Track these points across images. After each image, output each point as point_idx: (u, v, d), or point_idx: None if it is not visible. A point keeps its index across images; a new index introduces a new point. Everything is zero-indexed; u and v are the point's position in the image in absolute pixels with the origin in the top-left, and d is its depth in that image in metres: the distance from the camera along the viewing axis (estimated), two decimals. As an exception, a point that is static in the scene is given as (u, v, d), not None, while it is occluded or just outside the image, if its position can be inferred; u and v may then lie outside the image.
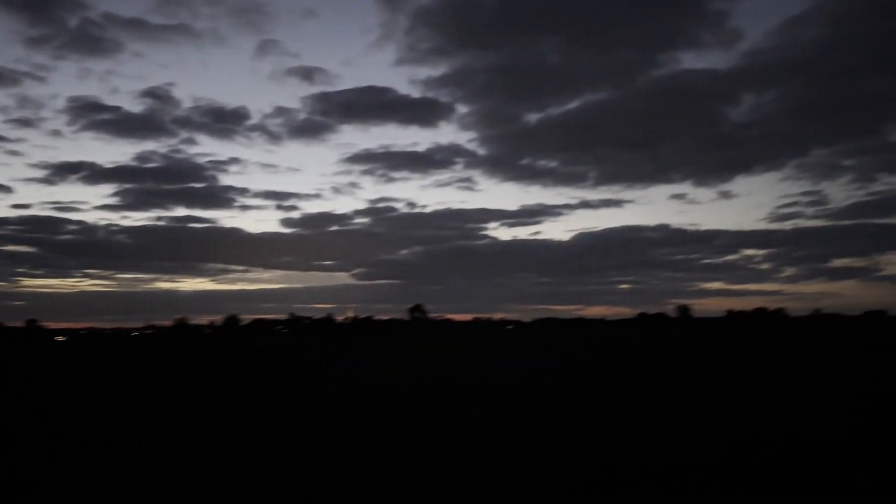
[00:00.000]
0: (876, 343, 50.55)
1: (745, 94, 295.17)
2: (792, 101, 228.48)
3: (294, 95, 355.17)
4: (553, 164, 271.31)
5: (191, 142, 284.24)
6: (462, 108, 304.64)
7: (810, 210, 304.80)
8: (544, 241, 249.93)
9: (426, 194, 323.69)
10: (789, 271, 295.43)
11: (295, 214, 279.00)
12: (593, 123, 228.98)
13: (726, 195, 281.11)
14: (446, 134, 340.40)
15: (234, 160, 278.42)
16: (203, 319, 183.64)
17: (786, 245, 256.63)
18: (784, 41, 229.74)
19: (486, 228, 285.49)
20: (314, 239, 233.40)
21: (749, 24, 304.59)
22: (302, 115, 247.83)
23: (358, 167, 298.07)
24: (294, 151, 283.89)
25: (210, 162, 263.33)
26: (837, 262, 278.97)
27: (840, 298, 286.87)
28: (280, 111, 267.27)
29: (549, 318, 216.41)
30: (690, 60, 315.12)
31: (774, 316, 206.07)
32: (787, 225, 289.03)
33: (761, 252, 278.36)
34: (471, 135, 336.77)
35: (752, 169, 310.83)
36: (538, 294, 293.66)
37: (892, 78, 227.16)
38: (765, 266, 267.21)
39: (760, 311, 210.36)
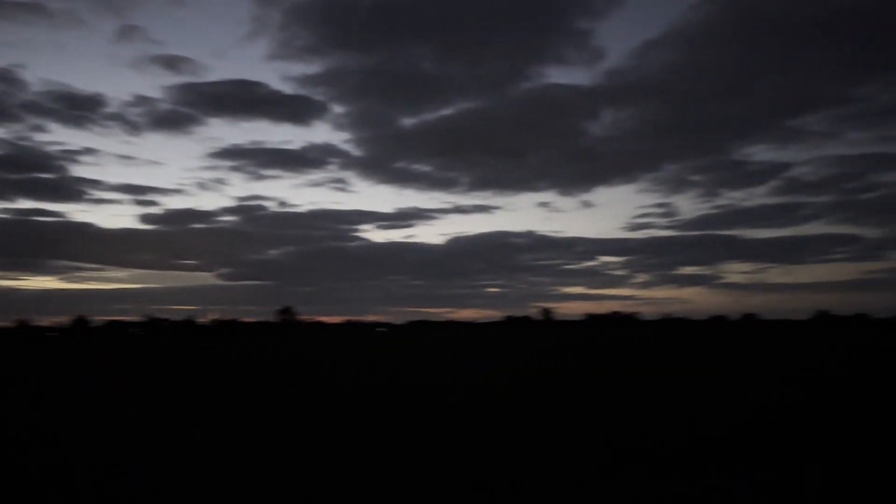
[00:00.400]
0: (717, 346, 55.30)
1: (605, 111, 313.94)
2: (647, 119, 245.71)
3: (157, 85, 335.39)
4: (427, 168, 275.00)
5: (40, 129, 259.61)
6: (337, 108, 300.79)
7: (662, 221, 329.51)
8: (418, 244, 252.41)
9: (298, 193, 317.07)
10: (642, 277, 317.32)
11: (155, 210, 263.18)
12: (466, 131, 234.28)
13: (587, 205, 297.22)
14: (320, 133, 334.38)
15: (89, 150, 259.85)
16: (48, 321, 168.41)
17: (639, 253, 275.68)
18: (642, 62, 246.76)
19: (359, 230, 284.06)
20: (176, 236, 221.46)
21: (611, 45, 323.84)
22: (165, 106, 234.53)
23: (226, 163, 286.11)
24: (155, 143, 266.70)
25: (61, 151, 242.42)
26: (685, 270, 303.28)
27: (687, 304, 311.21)
28: (141, 100, 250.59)
29: (421, 321, 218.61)
30: (556, 76, 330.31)
31: (628, 319, 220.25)
32: (641, 234, 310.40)
33: (618, 259, 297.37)
34: (346, 135, 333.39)
35: (611, 181, 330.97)
36: (411, 297, 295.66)
37: (736, 102, 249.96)
38: (620, 272, 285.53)
39: (616, 315, 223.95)
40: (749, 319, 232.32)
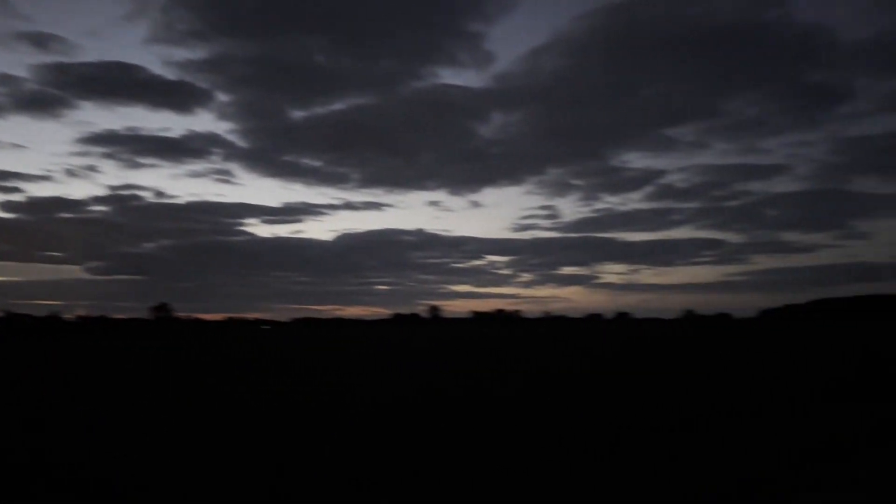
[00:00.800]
0: (594, 342, 57.95)
1: (494, 113, 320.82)
2: (534, 123, 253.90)
3: (22, 63, 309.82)
4: (317, 163, 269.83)
5: None
6: (222, 97, 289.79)
7: (546, 223, 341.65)
8: (306, 239, 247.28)
9: (178, 184, 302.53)
10: (526, 277, 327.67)
11: (17, 197, 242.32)
12: (357, 126, 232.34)
13: (476, 205, 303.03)
14: (203, 122, 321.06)
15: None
16: None
17: (524, 253, 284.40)
18: (529, 68, 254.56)
19: (244, 224, 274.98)
20: (39, 226, 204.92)
21: (501, 49, 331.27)
22: (31, 86, 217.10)
23: (98, 149, 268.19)
24: (20, 125, 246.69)
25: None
26: (565, 270, 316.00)
27: (567, 302, 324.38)
28: (5, 79, 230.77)
29: (308, 319, 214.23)
30: (448, 76, 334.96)
31: (512, 317, 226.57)
32: (526, 235, 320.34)
33: (503, 258, 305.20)
34: (230, 125, 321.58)
35: (499, 182, 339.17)
36: (297, 293, 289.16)
37: (615, 110, 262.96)
38: (505, 271, 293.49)
39: (501, 313, 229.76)
40: (623, 317, 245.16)
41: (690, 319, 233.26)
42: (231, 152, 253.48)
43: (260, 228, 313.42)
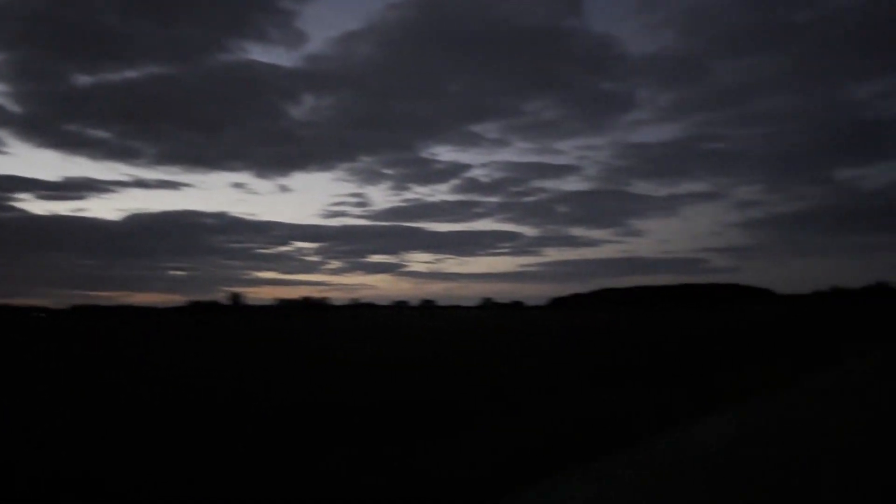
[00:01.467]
0: (406, 329, 58.81)
1: (305, 95, 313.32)
2: (346, 109, 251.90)
3: None
4: (105, 134, 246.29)
5: None
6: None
7: (356, 210, 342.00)
8: (90, 218, 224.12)
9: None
10: (335, 264, 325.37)
11: None
12: (153, 97, 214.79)
13: (285, 189, 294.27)
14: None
15: None
16: None
17: (333, 240, 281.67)
18: (342, 52, 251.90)
19: (15, 199, 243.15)
20: None
21: (313, 29, 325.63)
22: None
23: None
24: None
25: None
26: (374, 258, 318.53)
27: (374, 290, 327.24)
28: None
29: (89, 306, 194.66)
30: (257, 52, 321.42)
31: (320, 304, 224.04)
32: (336, 222, 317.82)
33: (312, 245, 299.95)
34: (1, 87, 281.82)
35: (309, 167, 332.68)
36: (78, 278, 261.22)
37: (426, 103, 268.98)
38: (314, 258, 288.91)
39: (308, 300, 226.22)
40: (428, 305, 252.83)
41: (489, 306, 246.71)
42: (1, 118, 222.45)
43: (34, 205, 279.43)
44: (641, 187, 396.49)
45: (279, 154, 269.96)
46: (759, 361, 22.79)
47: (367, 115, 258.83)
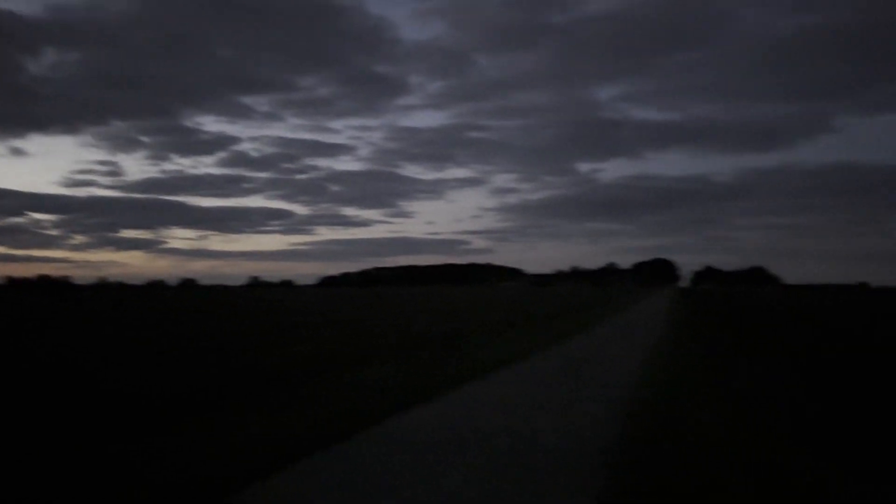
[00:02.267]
0: (158, 310, 54.97)
1: (47, 49, 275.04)
2: (96, 68, 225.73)
3: None
4: None
5: None
6: None
7: (106, 180, 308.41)
8: None
9: None
10: (79, 239, 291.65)
11: None
12: None
13: (18, 152, 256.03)
14: None
15: None
16: None
17: (78, 212, 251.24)
18: (92, 4, 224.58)
19: None
20: None
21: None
22: None
23: None
24: None
25: None
26: (126, 233, 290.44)
27: (125, 268, 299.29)
28: None
29: None
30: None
31: (59, 284, 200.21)
32: (82, 192, 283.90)
33: (51, 217, 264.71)
34: None
35: (49, 129, 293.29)
36: None
37: (190, 68, 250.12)
38: (54, 232, 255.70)
39: (45, 279, 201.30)
40: (188, 284, 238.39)
41: (256, 286, 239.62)
42: None
43: None
44: (411, 170, 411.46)
45: (13, 112, 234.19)
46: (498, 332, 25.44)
47: (120, 74, 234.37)
